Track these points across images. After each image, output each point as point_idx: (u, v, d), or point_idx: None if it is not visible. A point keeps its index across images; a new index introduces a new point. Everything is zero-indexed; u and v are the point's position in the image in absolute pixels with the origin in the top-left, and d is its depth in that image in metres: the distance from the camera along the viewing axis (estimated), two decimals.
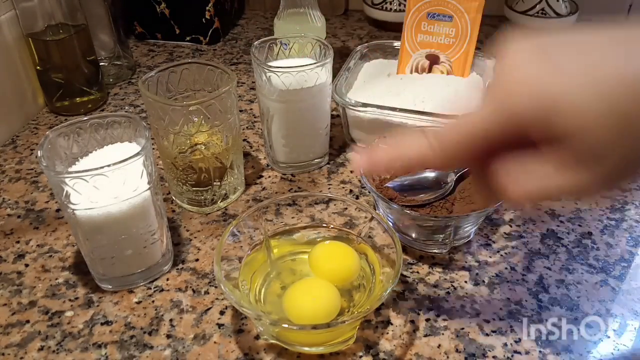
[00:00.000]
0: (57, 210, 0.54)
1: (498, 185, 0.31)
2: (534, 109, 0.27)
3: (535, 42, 0.29)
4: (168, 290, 0.45)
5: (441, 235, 0.47)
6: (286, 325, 0.37)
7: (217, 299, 0.44)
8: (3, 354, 0.40)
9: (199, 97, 0.51)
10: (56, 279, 0.46)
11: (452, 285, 0.45)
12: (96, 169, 0.38)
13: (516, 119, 0.28)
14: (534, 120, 0.28)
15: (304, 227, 0.47)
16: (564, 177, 0.28)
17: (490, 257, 0.48)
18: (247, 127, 0.67)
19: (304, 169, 0.59)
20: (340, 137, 0.64)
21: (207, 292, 0.45)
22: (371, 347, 0.40)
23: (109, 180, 0.38)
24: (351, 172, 0.34)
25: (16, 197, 0.56)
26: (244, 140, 0.64)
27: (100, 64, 0.73)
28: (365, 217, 0.44)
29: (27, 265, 0.48)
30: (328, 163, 0.61)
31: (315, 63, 0.52)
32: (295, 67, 0.51)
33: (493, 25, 0.94)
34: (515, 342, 0.41)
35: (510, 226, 0.51)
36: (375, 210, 0.49)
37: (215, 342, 0.41)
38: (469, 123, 0.30)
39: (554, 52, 0.28)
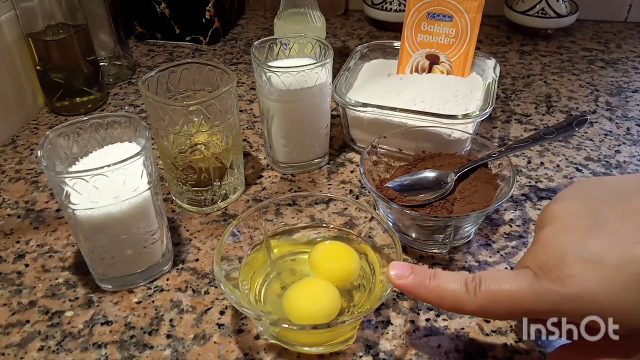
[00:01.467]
0: (57, 210, 0.54)
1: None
2: (595, 313, 0.29)
3: (587, 208, 0.32)
4: (168, 290, 0.45)
5: (441, 236, 0.47)
6: (286, 325, 0.37)
7: (217, 299, 0.44)
8: (3, 354, 0.40)
9: (199, 97, 0.51)
10: (56, 279, 0.46)
11: None
12: (96, 169, 0.38)
13: (564, 309, 0.30)
14: (583, 314, 0.30)
15: (304, 227, 0.47)
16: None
17: (490, 257, 0.48)
18: (247, 127, 0.67)
19: (304, 169, 0.59)
20: (340, 137, 0.64)
21: (207, 292, 0.45)
22: (371, 347, 0.40)
23: (109, 180, 0.38)
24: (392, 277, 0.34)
25: (16, 197, 0.56)
26: (244, 140, 0.64)
27: (100, 64, 0.73)
28: (365, 217, 0.44)
29: (27, 265, 0.48)
30: (328, 163, 0.61)
31: (315, 63, 0.52)
32: (295, 67, 0.51)
33: (493, 25, 0.95)
34: (515, 342, 0.41)
35: (510, 226, 0.51)
36: (375, 210, 0.49)
37: (215, 342, 0.41)
38: (515, 297, 0.31)
39: (603, 229, 0.30)
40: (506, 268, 0.47)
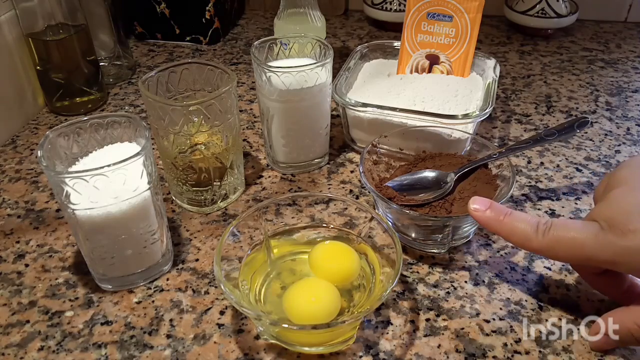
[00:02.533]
0: (57, 210, 0.54)
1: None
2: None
3: None
4: (168, 290, 0.45)
5: (439, 235, 0.47)
6: (286, 325, 0.37)
7: (217, 299, 0.44)
8: (3, 354, 0.40)
9: (199, 97, 0.51)
10: (56, 279, 0.46)
11: (452, 285, 0.45)
12: (96, 169, 0.38)
13: (622, 261, 0.34)
14: None
15: (304, 227, 0.47)
16: None
17: (490, 257, 0.48)
18: (247, 127, 0.67)
19: (304, 169, 0.59)
20: (340, 137, 0.64)
21: (207, 292, 0.45)
22: (371, 347, 0.40)
23: (109, 180, 0.38)
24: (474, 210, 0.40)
25: (16, 197, 0.56)
26: (244, 140, 0.64)
27: (100, 64, 0.73)
28: (365, 217, 0.44)
29: (27, 265, 0.48)
30: (328, 163, 0.61)
31: (315, 63, 0.52)
32: (295, 67, 0.51)
33: (493, 25, 0.95)
34: (515, 342, 0.41)
35: None
36: (375, 210, 0.49)
37: (215, 342, 0.41)
38: (579, 244, 0.34)
39: None
40: (506, 268, 0.47)
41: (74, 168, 0.42)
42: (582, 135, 0.65)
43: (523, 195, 0.55)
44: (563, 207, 0.54)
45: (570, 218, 0.52)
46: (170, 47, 0.88)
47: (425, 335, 0.41)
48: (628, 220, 0.33)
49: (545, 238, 0.36)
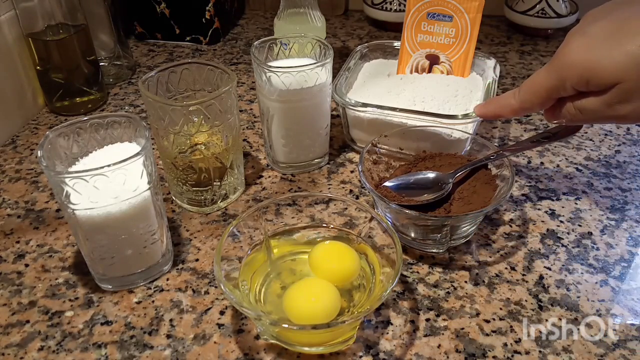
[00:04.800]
0: (57, 210, 0.54)
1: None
2: (579, 76, 0.40)
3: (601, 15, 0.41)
4: (168, 290, 0.45)
5: (438, 235, 0.47)
6: (286, 325, 0.37)
7: (217, 299, 0.44)
8: (3, 354, 0.40)
9: (199, 97, 0.51)
10: (56, 279, 0.46)
11: (452, 285, 0.45)
12: (96, 169, 0.38)
13: (569, 81, 0.41)
14: (580, 80, 0.40)
15: (304, 227, 0.47)
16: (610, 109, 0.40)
17: (490, 257, 0.48)
18: (247, 127, 0.67)
19: (304, 169, 0.59)
20: (340, 137, 0.64)
21: (207, 292, 0.45)
22: (371, 347, 0.40)
23: (109, 180, 0.38)
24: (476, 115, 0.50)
25: (16, 197, 0.56)
26: (244, 140, 0.64)
27: (100, 64, 0.73)
28: (365, 217, 0.44)
29: (27, 265, 0.48)
30: (328, 163, 0.61)
31: (315, 63, 0.52)
32: (295, 67, 0.51)
33: (493, 25, 0.95)
34: (515, 342, 0.41)
35: (510, 226, 0.51)
36: (375, 209, 0.49)
37: (215, 342, 0.41)
38: (537, 82, 0.43)
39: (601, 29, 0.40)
40: (506, 268, 0.47)
41: (74, 168, 0.42)
42: (582, 135, 0.65)
43: (523, 195, 0.55)
44: (563, 207, 0.54)
45: (571, 218, 0.52)
46: (170, 47, 0.88)
47: (425, 335, 0.41)
48: (565, 44, 0.41)
49: (519, 95, 0.44)
